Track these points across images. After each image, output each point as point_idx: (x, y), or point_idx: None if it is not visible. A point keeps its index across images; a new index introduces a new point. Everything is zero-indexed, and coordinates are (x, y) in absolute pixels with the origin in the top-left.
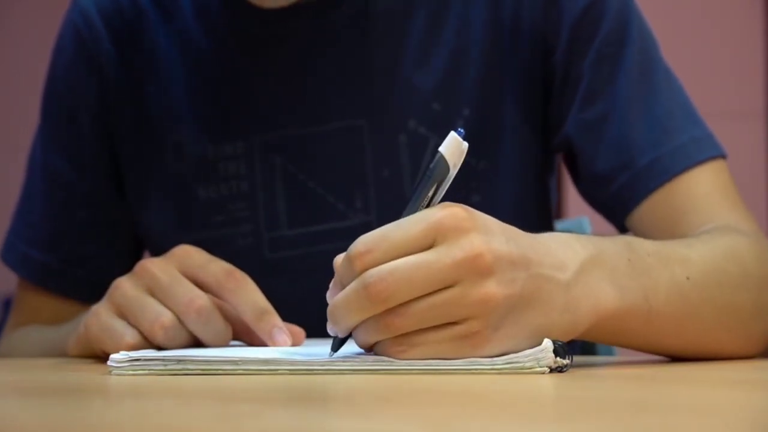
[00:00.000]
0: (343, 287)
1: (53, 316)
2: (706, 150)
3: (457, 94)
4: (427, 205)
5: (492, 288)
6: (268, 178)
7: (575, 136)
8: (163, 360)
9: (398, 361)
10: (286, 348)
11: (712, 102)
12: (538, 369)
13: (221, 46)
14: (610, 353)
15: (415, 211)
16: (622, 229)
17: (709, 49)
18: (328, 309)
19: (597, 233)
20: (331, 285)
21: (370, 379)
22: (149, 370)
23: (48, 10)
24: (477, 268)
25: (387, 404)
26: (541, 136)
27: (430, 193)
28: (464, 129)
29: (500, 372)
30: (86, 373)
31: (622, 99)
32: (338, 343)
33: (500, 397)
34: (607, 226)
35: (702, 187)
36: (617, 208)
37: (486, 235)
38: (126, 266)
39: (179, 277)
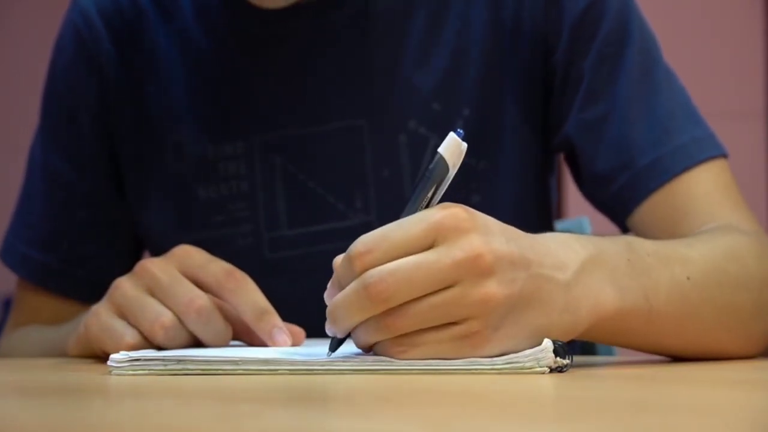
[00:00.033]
0: (342, 287)
1: (53, 316)
2: (707, 150)
3: (457, 94)
4: (427, 206)
5: (492, 288)
6: (268, 178)
7: (575, 136)
8: (163, 360)
9: (398, 361)
10: (286, 348)
11: (712, 102)
12: (538, 369)
13: (221, 46)
14: (610, 353)
15: (414, 212)
16: (625, 229)
17: (709, 49)
18: (328, 309)
19: (597, 233)
20: (329, 285)
21: (370, 379)
22: (149, 370)
23: (48, 10)
24: (477, 269)
25: (387, 404)
26: (542, 136)
27: (430, 194)
28: (464, 129)
29: (500, 372)
30: (86, 373)
31: (623, 99)
32: (336, 344)
33: (500, 397)
34: (607, 226)
35: (703, 187)
36: (618, 208)
37: (486, 235)
38: (126, 266)
39: (179, 277)
